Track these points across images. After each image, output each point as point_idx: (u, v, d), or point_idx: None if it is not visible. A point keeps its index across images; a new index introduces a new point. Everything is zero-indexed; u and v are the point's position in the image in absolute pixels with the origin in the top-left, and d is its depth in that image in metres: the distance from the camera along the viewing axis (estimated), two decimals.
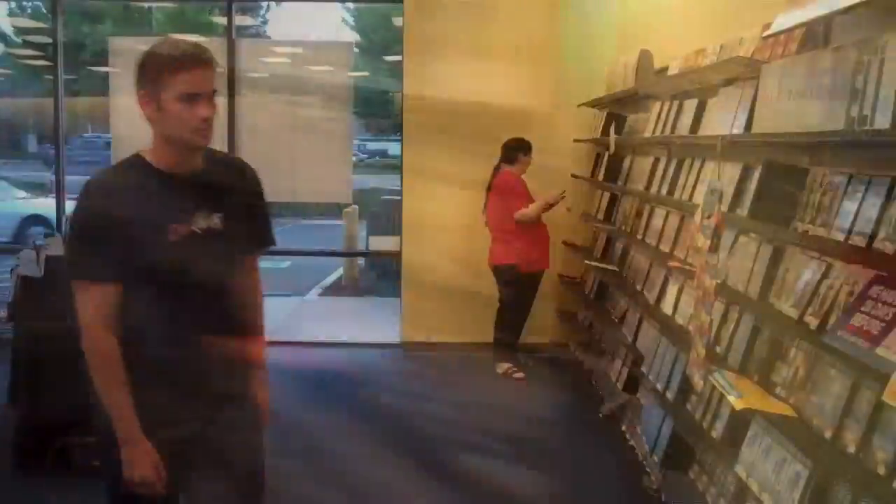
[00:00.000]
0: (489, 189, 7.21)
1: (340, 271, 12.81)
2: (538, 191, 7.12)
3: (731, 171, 4.06)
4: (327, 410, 6.09)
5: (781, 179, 3.60)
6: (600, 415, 6.06)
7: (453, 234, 7.78)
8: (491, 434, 5.88)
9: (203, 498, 2.64)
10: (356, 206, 12.29)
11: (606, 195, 7.28)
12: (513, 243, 7.03)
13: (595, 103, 7.34)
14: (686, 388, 4.28)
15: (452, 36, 7.64)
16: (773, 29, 3.66)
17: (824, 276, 3.19)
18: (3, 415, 5.12)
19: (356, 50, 19.61)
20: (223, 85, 7.55)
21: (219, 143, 2.54)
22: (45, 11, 18.08)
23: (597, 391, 6.48)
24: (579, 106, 7.49)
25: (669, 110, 5.39)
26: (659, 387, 4.68)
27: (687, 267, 4.42)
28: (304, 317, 9.69)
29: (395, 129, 8.91)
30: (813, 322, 3.14)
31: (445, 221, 7.79)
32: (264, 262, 2.99)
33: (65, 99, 8.53)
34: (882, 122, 2.69)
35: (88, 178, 2.50)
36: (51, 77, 8.46)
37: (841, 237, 3.01)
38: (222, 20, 8.59)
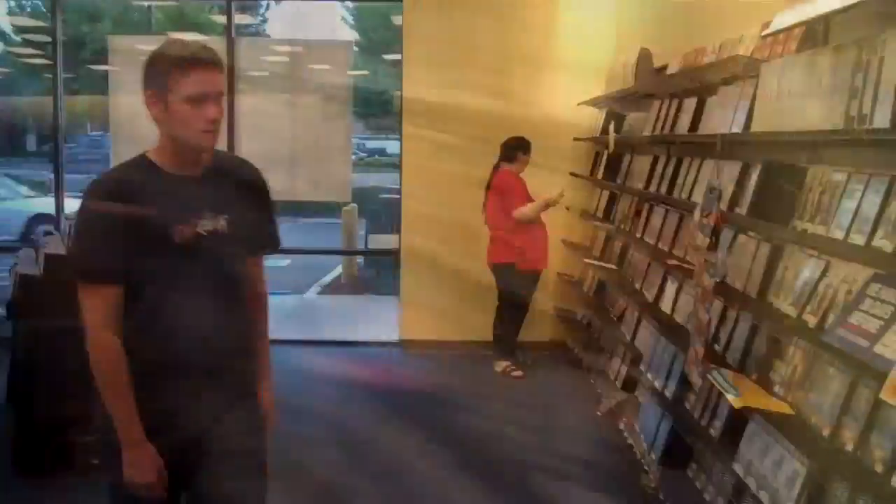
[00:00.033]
0: (488, 188, 7.21)
1: (339, 269, 12.81)
2: (537, 189, 7.12)
3: (731, 170, 4.06)
4: (325, 408, 6.10)
5: (780, 178, 3.61)
6: (599, 413, 6.06)
7: (452, 232, 7.77)
8: (487, 433, 5.88)
9: (205, 499, 2.62)
10: (355, 205, 12.28)
11: (605, 194, 7.28)
12: (511, 242, 7.03)
13: (594, 102, 7.34)
14: (684, 386, 4.28)
15: (452, 34, 7.63)
16: (773, 28, 3.67)
17: (823, 274, 3.20)
18: (1, 413, 5.12)
19: (355, 49, 19.61)
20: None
21: (218, 142, 2.53)
22: (44, 10, 18.08)
23: (595, 389, 6.48)
24: (579, 104, 7.48)
25: (669, 109, 5.39)
26: (657, 385, 4.69)
27: (686, 265, 4.42)
28: (303, 315, 9.70)
29: (394, 127, 8.88)
30: (811, 320, 3.15)
31: (444, 220, 7.78)
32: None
33: (64, 98, 8.53)
34: (881, 120, 2.70)
35: (94, 178, 2.50)
36: (50, 76, 8.44)
37: (840, 236, 3.01)
38: (222, 19, 8.58)
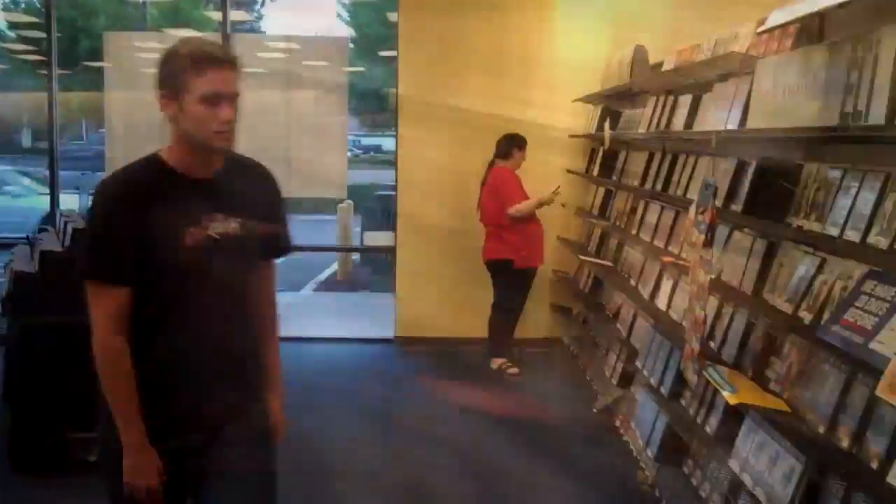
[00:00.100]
0: (484, 184, 7.21)
1: (335, 266, 12.81)
2: (533, 186, 7.12)
3: (726, 167, 4.07)
4: (323, 406, 6.09)
5: (776, 175, 3.61)
6: (594, 410, 6.06)
7: (448, 229, 7.77)
8: (483, 430, 5.89)
9: None
10: (351, 202, 12.28)
11: (601, 190, 7.28)
12: (507, 239, 7.03)
13: (590, 99, 7.35)
14: (680, 383, 4.29)
15: (447, 31, 7.63)
16: (768, 24, 3.68)
17: (818, 271, 3.21)
18: None
19: (351, 45, 19.59)
20: None
21: (233, 143, 2.48)
22: (39, 6, 18.05)
23: (591, 386, 6.48)
24: (574, 101, 7.48)
25: (664, 106, 5.39)
26: (653, 382, 4.69)
27: (681, 262, 4.43)
28: (298, 312, 9.70)
29: (390, 124, 8.88)
30: (807, 317, 3.16)
31: (440, 217, 7.79)
32: None
33: (59, 94, 8.51)
34: (876, 117, 2.70)
35: (104, 177, 2.47)
36: (45, 72, 8.43)
37: (835, 232, 3.02)
38: (217, 15, 8.57)
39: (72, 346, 4.77)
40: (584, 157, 7.79)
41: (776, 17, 3.63)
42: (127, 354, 2.40)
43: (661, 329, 4.77)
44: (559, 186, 7.15)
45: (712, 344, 3.96)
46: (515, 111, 7.57)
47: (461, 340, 7.66)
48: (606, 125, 6.73)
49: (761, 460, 3.22)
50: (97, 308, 2.40)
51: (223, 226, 2.46)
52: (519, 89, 7.68)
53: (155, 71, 2.41)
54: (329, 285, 12.31)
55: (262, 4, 26.08)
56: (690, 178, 4.77)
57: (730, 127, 4.01)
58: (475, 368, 7.21)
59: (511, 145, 7.13)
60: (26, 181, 15.14)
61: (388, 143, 20.53)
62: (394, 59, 7.96)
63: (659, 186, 5.28)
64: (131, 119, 8.20)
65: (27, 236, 6.18)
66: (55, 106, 8.33)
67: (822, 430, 2.89)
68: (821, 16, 3.43)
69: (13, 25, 18.83)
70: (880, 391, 2.32)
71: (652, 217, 5.49)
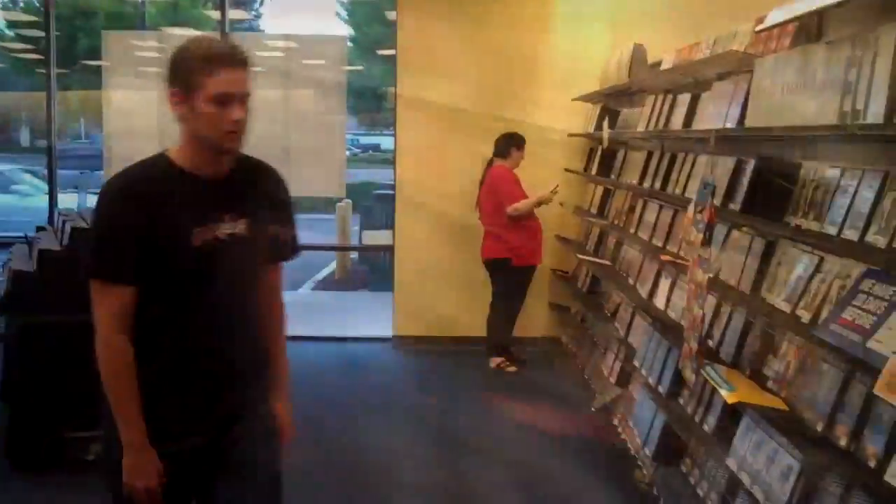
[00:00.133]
0: (482, 183, 7.22)
1: (333, 265, 12.81)
2: (532, 185, 7.12)
3: (725, 166, 4.07)
4: (320, 405, 6.09)
5: (774, 173, 3.61)
6: (592, 408, 6.06)
7: (446, 228, 7.78)
8: (482, 428, 5.89)
9: None
10: (349, 201, 12.28)
11: (600, 189, 7.28)
12: (505, 238, 7.03)
13: (588, 97, 7.35)
14: (678, 381, 4.29)
15: (445, 30, 7.63)
16: (767, 23, 3.67)
17: (817, 269, 3.21)
18: None
19: (349, 44, 19.59)
20: None
21: (243, 144, 2.47)
22: (37, 5, 18.03)
23: (589, 385, 6.48)
24: (573, 100, 7.48)
25: (663, 104, 5.39)
26: (651, 381, 4.69)
27: (680, 261, 4.43)
28: (297, 311, 9.68)
29: (389, 123, 8.89)
30: (805, 316, 3.16)
31: (438, 216, 7.79)
32: None
33: (58, 93, 8.51)
34: (874, 115, 2.70)
35: (112, 175, 2.44)
36: (43, 71, 8.42)
37: (833, 231, 3.02)
38: (215, 14, 8.57)
39: (70, 345, 4.78)
40: (583, 156, 7.79)
41: (775, 16, 3.63)
42: (130, 354, 2.39)
43: (659, 328, 4.77)
44: (558, 185, 7.16)
45: (710, 343, 3.97)
46: (514, 110, 7.58)
47: (460, 339, 7.67)
48: (605, 124, 6.73)
49: (759, 459, 3.22)
50: (101, 307, 2.39)
51: (231, 227, 2.44)
52: (518, 88, 7.69)
53: (166, 69, 2.38)
54: (327, 284, 12.32)
55: (261, 3, 26.12)
56: (689, 176, 4.77)
57: (728, 126, 4.01)
58: (474, 367, 7.21)
59: (510, 144, 7.13)
60: (35, 180, 15.10)
61: (386, 142, 20.54)
62: (392, 57, 7.96)
63: (657, 185, 5.28)
64: (130, 118, 8.20)
65: (25, 235, 6.17)
66: (54, 105, 8.33)
67: (820, 428, 2.89)
68: (819, 14, 3.43)
69: (12, 24, 18.83)
70: (878, 390, 2.33)
71: (650, 216, 5.50)
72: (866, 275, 2.83)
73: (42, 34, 8.48)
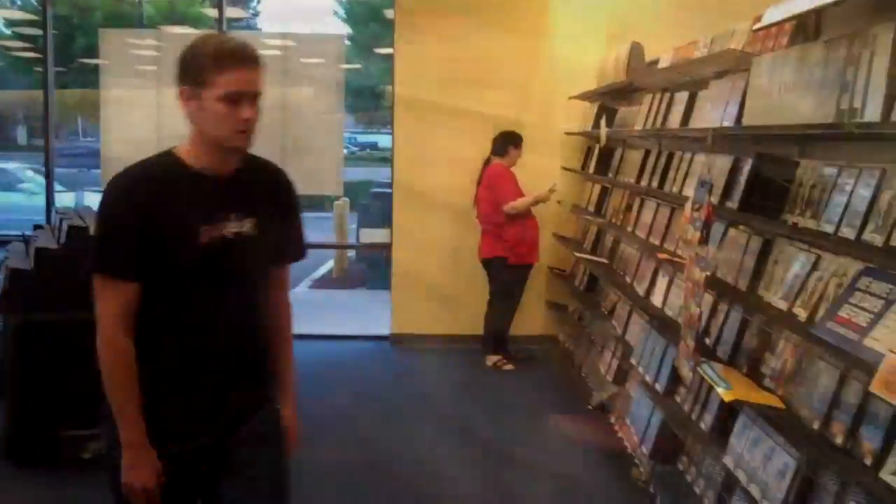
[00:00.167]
0: (479, 182, 7.22)
1: (331, 264, 12.81)
2: (529, 183, 7.12)
3: (722, 164, 4.07)
4: (316, 403, 6.10)
5: (771, 172, 3.61)
6: (589, 406, 6.07)
7: (444, 226, 7.78)
8: (479, 426, 5.90)
9: None
10: (347, 199, 12.28)
11: (597, 188, 7.29)
12: (502, 236, 7.04)
13: (586, 96, 7.35)
14: (675, 379, 4.29)
15: (443, 29, 7.63)
16: (764, 21, 3.67)
17: (813, 268, 3.21)
18: None
19: (347, 43, 19.59)
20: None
21: (252, 144, 2.45)
22: (35, 3, 18.02)
23: (586, 383, 6.49)
24: (570, 99, 7.49)
25: (660, 103, 5.39)
26: (648, 379, 4.70)
27: (677, 259, 4.43)
28: (294, 310, 9.68)
29: (386, 121, 8.88)
30: (802, 314, 3.16)
31: (436, 214, 7.80)
32: None
33: (55, 91, 8.50)
34: (872, 114, 2.70)
35: (118, 171, 2.40)
36: (41, 69, 8.41)
37: (830, 229, 3.02)
38: (213, 12, 8.56)
39: (67, 343, 4.80)
40: (580, 155, 7.79)
41: (772, 15, 3.62)
42: (131, 352, 2.36)
43: (656, 326, 4.77)
44: (555, 184, 7.17)
45: (707, 341, 3.97)
46: (512, 108, 7.59)
47: (457, 337, 7.67)
48: (603, 122, 6.73)
49: (756, 456, 3.22)
50: (103, 303, 2.36)
51: (238, 225, 2.42)
52: (515, 87, 7.70)
53: (176, 66, 2.35)
54: (324, 282, 12.32)
55: (259, 1, 26.14)
56: (686, 175, 4.77)
57: (726, 124, 4.01)
58: (471, 365, 7.22)
59: (507, 143, 7.14)
60: (40, 178, 15.02)
61: (384, 141, 20.54)
62: (390, 56, 7.97)
63: (655, 184, 5.28)
64: (128, 116, 8.20)
65: (23, 234, 6.17)
66: (51, 103, 8.32)
67: (816, 426, 2.90)
68: (817, 13, 3.43)
69: (10, 23, 18.84)
70: (874, 388, 2.33)
71: (647, 214, 5.50)
72: (863, 273, 2.83)
73: (40, 32, 8.47)
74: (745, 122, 3.78)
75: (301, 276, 12.12)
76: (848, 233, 2.91)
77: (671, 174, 5.05)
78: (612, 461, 5.14)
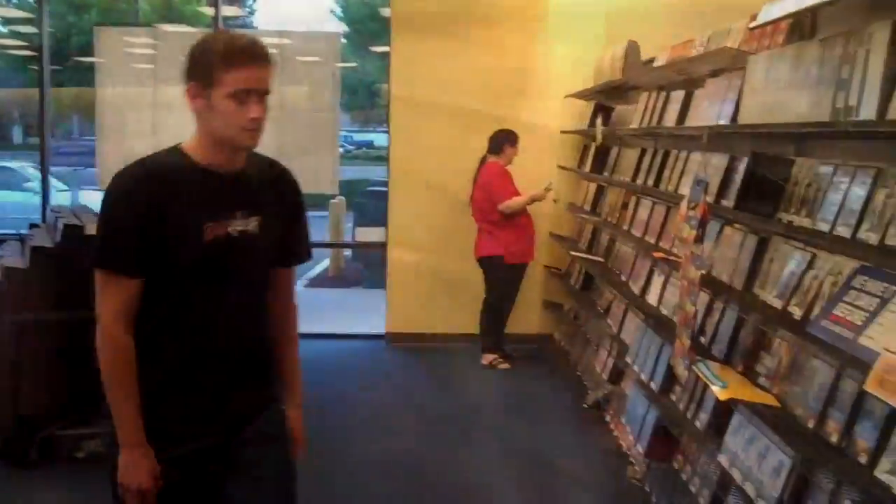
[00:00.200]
0: (475, 180, 7.22)
1: (326, 263, 12.80)
2: (525, 182, 7.12)
3: (718, 162, 4.07)
4: (310, 401, 6.09)
5: (767, 170, 3.61)
6: (585, 405, 6.07)
7: (440, 225, 7.78)
8: (475, 425, 5.90)
9: None
10: (343, 198, 12.26)
11: (593, 186, 7.29)
12: (498, 235, 7.04)
13: (582, 94, 7.35)
14: (671, 378, 4.29)
15: (439, 27, 7.63)
16: (760, 20, 3.67)
17: (809, 266, 3.21)
18: None
19: (343, 41, 19.63)
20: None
21: (260, 142, 2.43)
22: (31, 1, 17.99)
23: (582, 382, 6.49)
24: (566, 97, 7.49)
25: (656, 101, 5.39)
26: (644, 377, 4.70)
27: (672, 258, 4.43)
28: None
29: (382, 120, 8.89)
30: (797, 312, 3.16)
31: (432, 213, 7.80)
32: None
33: (51, 89, 8.49)
34: (867, 112, 2.70)
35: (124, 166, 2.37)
36: (36, 67, 8.40)
37: (826, 228, 3.02)
38: (209, 10, 8.55)
39: (63, 342, 4.80)
40: (576, 153, 7.80)
41: (768, 13, 3.62)
42: (131, 349, 2.33)
43: (651, 324, 4.77)
44: (551, 183, 7.17)
45: (702, 339, 3.97)
46: (508, 107, 7.59)
47: (453, 336, 7.67)
48: (598, 121, 6.73)
49: (751, 455, 3.22)
50: (104, 298, 2.33)
51: (243, 224, 2.40)
52: (512, 85, 7.70)
53: (184, 62, 2.32)
54: (320, 281, 12.31)
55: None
56: (682, 173, 4.77)
57: (722, 122, 4.01)
58: (467, 364, 7.22)
59: (503, 141, 7.14)
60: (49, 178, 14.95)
61: (380, 139, 20.54)
62: (386, 54, 7.96)
63: (651, 182, 5.28)
64: (123, 115, 8.18)
65: (18, 233, 6.16)
66: (47, 102, 8.31)
67: (811, 424, 2.90)
68: (813, 11, 3.43)
69: (5, 20, 18.81)
70: (869, 386, 2.33)
71: (643, 213, 5.50)
72: (858, 271, 2.83)
73: (35, 30, 8.45)
74: (741, 120, 3.79)
75: (297, 275, 12.09)
76: (843, 231, 2.91)
77: (667, 173, 5.06)
78: (608, 459, 5.14)
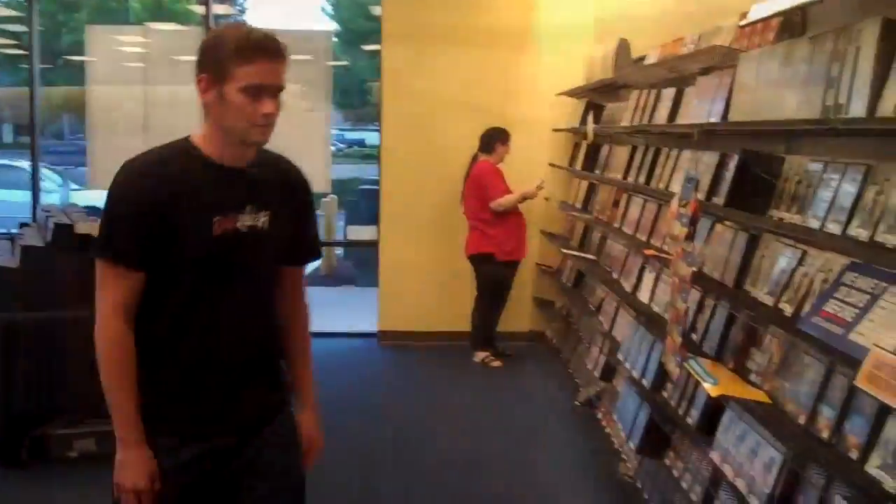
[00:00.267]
0: (467, 178, 7.22)
1: (318, 261, 12.77)
2: (516, 180, 7.13)
3: (708, 160, 4.08)
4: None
5: (758, 167, 3.62)
6: (577, 402, 6.08)
7: (431, 223, 7.78)
8: (467, 422, 5.90)
9: None
10: (334, 196, 12.26)
11: (584, 184, 7.30)
12: (489, 233, 7.05)
13: (573, 92, 7.36)
14: (662, 375, 4.30)
15: (431, 25, 7.63)
16: (751, 18, 3.68)
17: (799, 263, 3.22)
18: None
19: (335, 39, 19.57)
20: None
21: (270, 139, 2.39)
22: None
23: (573, 379, 6.50)
24: (558, 95, 7.50)
25: (647, 99, 5.40)
26: (635, 374, 4.70)
27: (663, 255, 4.44)
28: None
29: (374, 118, 8.88)
30: (788, 309, 3.17)
31: (423, 211, 7.80)
32: None
33: (41, 88, 8.46)
34: (857, 110, 2.71)
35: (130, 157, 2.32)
36: (27, 66, 8.38)
37: (816, 225, 3.03)
38: (200, 9, 8.54)
39: (53, 341, 4.79)
40: (568, 151, 7.81)
41: (759, 11, 3.63)
42: (130, 343, 2.28)
43: (643, 322, 4.78)
44: (543, 181, 7.18)
45: (694, 336, 3.98)
46: (499, 105, 7.60)
47: (445, 334, 7.68)
48: (590, 119, 6.74)
49: (742, 451, 3.23)
50: (104, 290, 2.28)
51: (252, 219, 2.35)
52: (502, 83, 7.71)
53: (197, 53, 2.28)
54: (312, 279, 12.22)
55: None
56: (673, 171, 4.77)
57: (712, 120, 4.02)
58: (459, 362, 7.22)
59: (494, 139, 7.14)
60: (55, 176, 14.84)
61: (371, 138, 20.49)
62: (377, 52, 7.96)
63: (642, 180, 5.29)
64: (114, 114, 8.17)
65: (8, 232, 6.15)
66: (37, 101, 8.28)
67: (802, 420, 2.90)
68: (803, 9, 3.44)
69: None
70: (859, 382, 2.34)
71: (634, 210, 5.50)
72: (848, 268, 2.84)
73: (25, 29, 8.44)
74: (732, 118, 3.80)
75: None
76: (834, 228, 2.92)
77: (658, 170, 5.06)
78: (600, 456, 5.15)
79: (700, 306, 4.06)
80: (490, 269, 7.11)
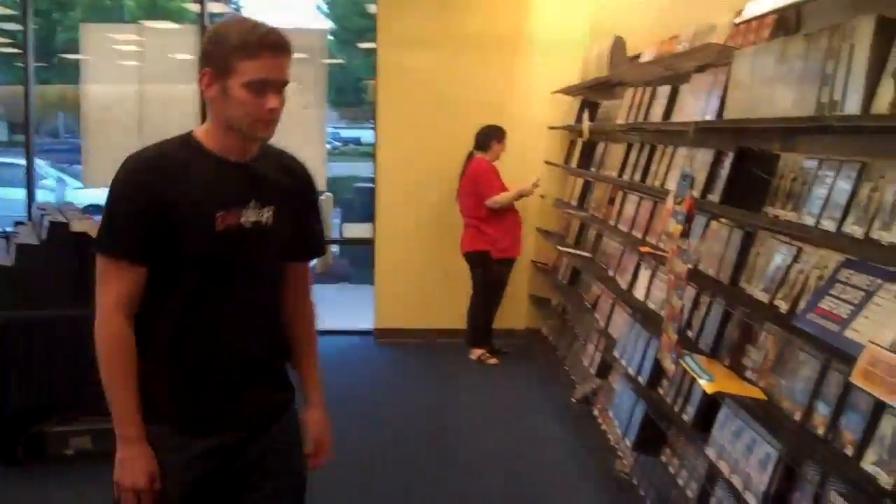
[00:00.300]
0: (462, 176, 7.22)
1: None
2: (512, 178, 7.13)
3: (704, 157, 4.09)
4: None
5: (753, 165, 3.63)
6: (573, 399, 6.09)
7: (427, 221, 7.79)
8: (464, 420, 5.90)
9: None
10: (330, 194, 12.24)
11: (580, 182, 7.30)
12: (485, 230, 7.05)
13: (569, 90, 7.36)
14: (658, 372, 4.31)
15: (426, 23, 7.63)
16: (745, 16, 3.69)
17: (795, 260, 3.22)
18: None
19: (330, 37, 19.56)
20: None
21: (274, 134, 2.34)
22: None
23: (569, 376, 6.51)
24: (553, 93, 7.50)
25: (642, 97, 5.41)
26: (631, 371, 4.71)
27: (659, 252, 4.44)
28: None
29: (369, 116, 8.89)
30: (783, 306, 3.17)
31: (419, 209, 7.80)
32: None
33: (36, 87, 8.45)
34: (852, 107, 2.72)
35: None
36: (21, 64, 8.36)
37: (811, 222, 3.03)
38: (195, 7, 8.52)
39: (49, 339, 4.79)
40: (563, 149, 7.81)
41: (753, 8, 3.64)
42: (130, 339, 2.24)
43: (639, 319, 4.79)
44: (538, 179, 7.18)
45: (689, 333, 3.98)
46: (495, 103, 7.60)
47: (440, 332, 7.68)
48: (585, 116, 6.74)
49: (738, 448, 3.24)
50: (105, 285, 2.24)
51: (256, 214, 2.32)
52: (498, 81, 7.71)
53: (201, 47, 2.25)
54: None
55: None
56: (668, 168, 4.78)
57: (707, 117, 4.02)
58: (455, 359, 7.22)
59: (490, 137, 7.14)
60: (62, 175, 14.79)
61: (367, 136, 20.48)
62: (373, 50, 7.95)
63: (637, 177, 5.29)
64: (109, 112, 8.15)
65: (3, 230, 6.14)
66: (31, 99, 8.27)
67: (797, 417, 2.91)
68: (797, 7, 3.45)
69: None
70: (855, 378, 2.34)
71: (630, 208, 5.51)
72: (843, 265, 2.85)
73: (19, 27, 8.42)
74: (727, 115, 3.80)
75: None
76: (829, 225, 2.92)
77: (653, 168, 5.07)
78: (596, 453, 5.16)
79: (695, 303, 4.07)
80: (486, 267, 7.11)
